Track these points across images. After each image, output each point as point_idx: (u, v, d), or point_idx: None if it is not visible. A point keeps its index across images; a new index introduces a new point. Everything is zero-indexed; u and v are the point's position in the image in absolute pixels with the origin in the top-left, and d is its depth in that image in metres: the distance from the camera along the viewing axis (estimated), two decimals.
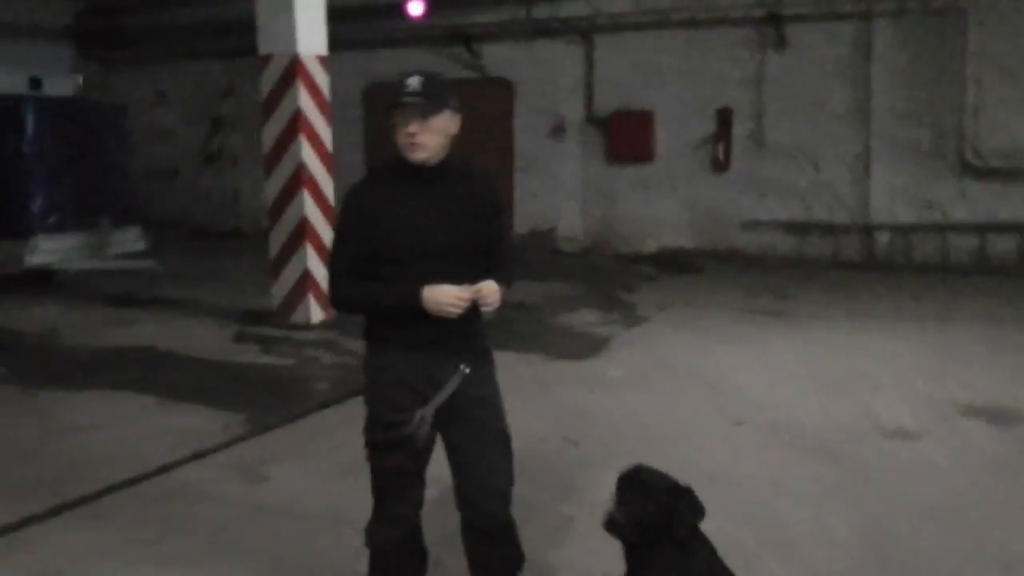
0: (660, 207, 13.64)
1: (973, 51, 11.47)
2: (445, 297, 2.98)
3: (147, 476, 5.24)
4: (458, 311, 2.99)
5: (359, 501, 4.35)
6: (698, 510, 2.87)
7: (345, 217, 3.15)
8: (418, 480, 3.23)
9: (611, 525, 2.93)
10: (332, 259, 3.20)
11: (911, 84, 12.11)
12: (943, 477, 5.09)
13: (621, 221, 13.93)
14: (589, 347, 8.14)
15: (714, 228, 13.37)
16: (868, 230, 12.58)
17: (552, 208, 14.20)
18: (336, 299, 3.19)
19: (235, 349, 8.41)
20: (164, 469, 5.35)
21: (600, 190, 13.98)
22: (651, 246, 13.74)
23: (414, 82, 3.01)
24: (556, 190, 14.13)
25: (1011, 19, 11.54)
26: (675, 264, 12.79)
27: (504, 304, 3.14)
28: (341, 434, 5.87)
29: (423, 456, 3.19)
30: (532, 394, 6.58)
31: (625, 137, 13.56)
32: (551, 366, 7.58)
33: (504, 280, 3.16)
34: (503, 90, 14.33)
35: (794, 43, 12.50)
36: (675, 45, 13.19)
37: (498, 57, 14.28)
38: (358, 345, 8.05)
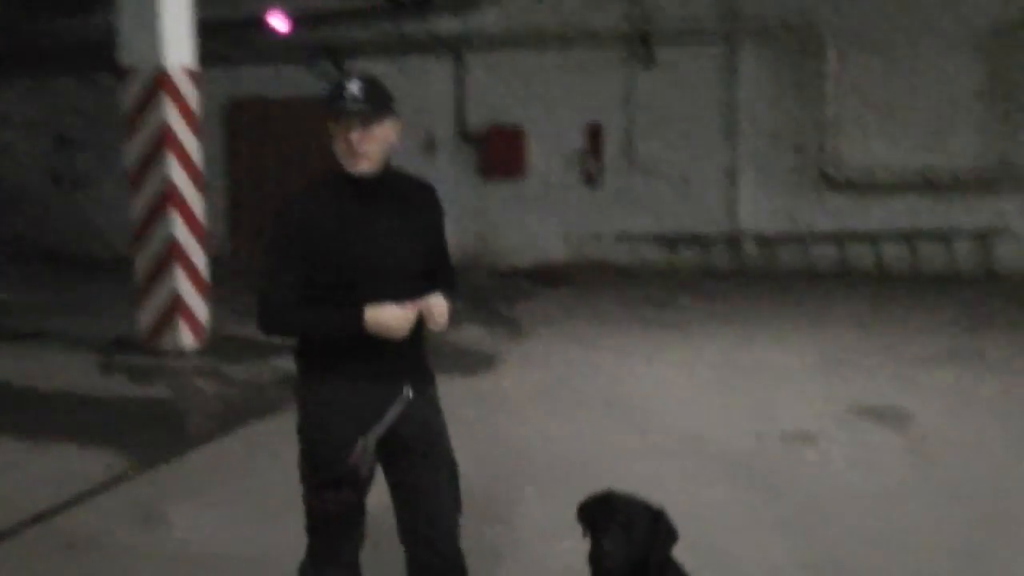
0: (534, 222, 13.68)
1: (831, 72, 12.03)
2: (390, 318, 2.77)
3: (26, 524, 4.74)
4: (404, 332, 2.80)
5: (277, 541, 4.14)
6: (673, 534, 2.77)
7: (281, 235, 2.87)
8: (360, 515, 3.00)
9: (600, 560, 2.68)
10: (265, 281, 2.89)
11: (775, 103, 12.61)
12: (857, 482, 5.21)
13: (496, 237, 13.90)
14: (480, 363, 8.02)
15: (587, 241, 13.52)
16: (736, 241, 12.99)
17: None
18: (268, 325, 2.92)
19: (103, 381, 7.83)
20: (44, 516, 4.86)
21: (474, 207, 13.90)
22: (526, 261, 13.75)
23: (355, 88, 2.79)
24: None
25: (865, 42, 12.20)
26: (551, 278, 12.82)
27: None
28: (239, 467, 5.55)
29: (365, 488, 2.96)
30: None
31: (498, 153, 13.55)
32: (444, 384, 7.35)
33: (451, 294, 2.99)
34: None
35: (662, 62, 12.80)
36: (547, 62, 13.29)
37: (367, 72, 13.96)
38: (240, 371, 7.88)
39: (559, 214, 13.62)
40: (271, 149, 14.41)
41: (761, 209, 12.84)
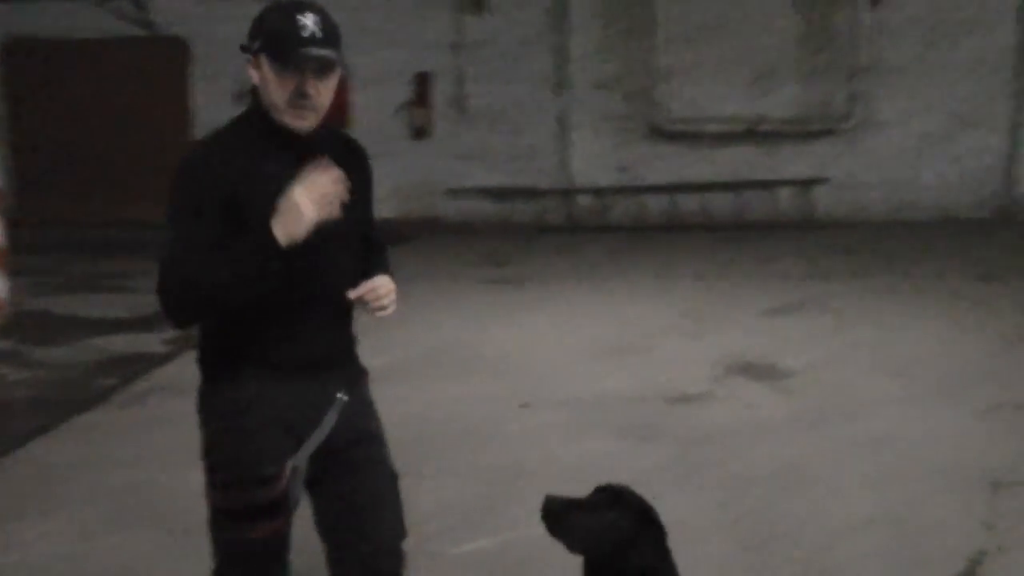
0: None
1: (661, 20, 11.96)
2: (293, 199, 2.10)
3: None
4: (322, 209, 2.15)
5: (136, 553, 3.70)
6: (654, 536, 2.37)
7: (191, 193, 2.20)
8: (287, 546, 2.43)
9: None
10: (172, 248, 2.18)
11: (605, 52, 12.45)
12: (737, 429, 5.15)
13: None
14: None
15: (418, 196, 12.95)
16: (569, 194, 12.83)
17: None
18: (181, 296, 2.16)
19: None
20: None
21: None
22: None
23: (311, 22, 2.16)
24: None
25: None
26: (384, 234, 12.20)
27: None
28: (70, 476, 4.72)
29: (292, 514, 2.39)
30: None
31: None
32: None
33: (389, 271, 2.46)
34: (176, 50, 12.85)
35: (492, 8, 12.32)
36: (372, 4, 12.47)
37: (170, 12, 12.70)
38: (49, 355, 6.86)
39: (386, 168, 12.79)
40: (60, 95, 12.86)
41: (593, 161, 12.72)
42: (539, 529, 3.50)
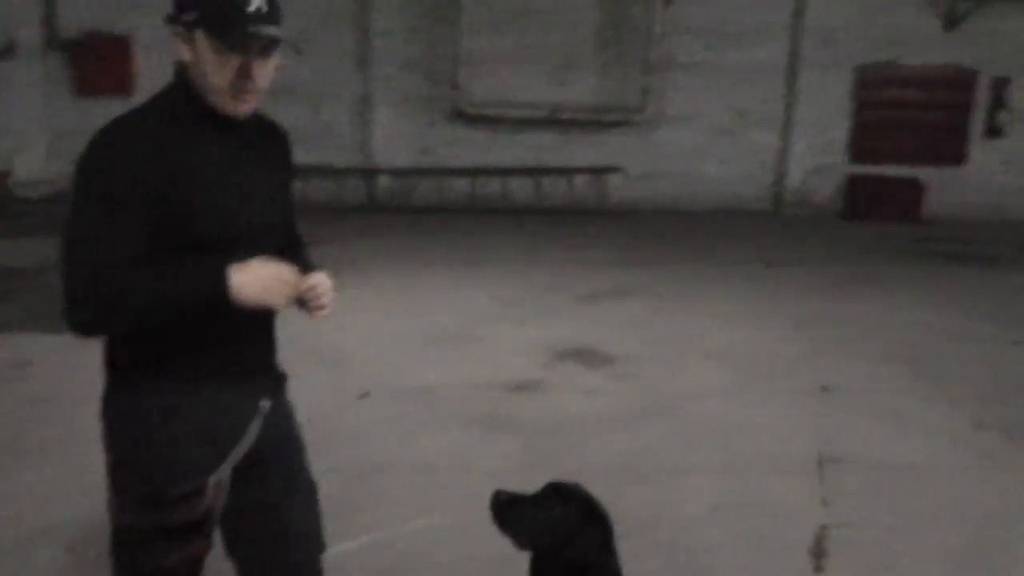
0: None
1: (466, 5, 11.94)
2: (270, 271, 1.97)
3: None
4: (286, 299, 2.02)
5: None
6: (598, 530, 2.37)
7: (111, 183, 1.90)
8: (200, 572, 2.20)
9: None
10: (86, 244, 1.89)
11: (410, 33, 12.29)
12: (579, 415, 5.26)
13: None
14: None
15: None
16: (369, 173, 12.59)
17: (3, 148, 11.75)
18: (100, 307, 1.88)
19: None
20: None
21: (70, 127, 11.87)
22: None
23: None
24: (8, 126, 11.70)
25: None
26: None
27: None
28: None
29: (212, 535, 2.17)
30: None
31: (99, 65, 11.68)
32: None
33: (315, 266, 2.27)
34: None
35: None
36: None
37: None
38: None
39: None
40: None
41: (395, 141, 12.56)
42: (403, 528, 3.41)
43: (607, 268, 9.22)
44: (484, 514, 3.89)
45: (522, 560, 2.40)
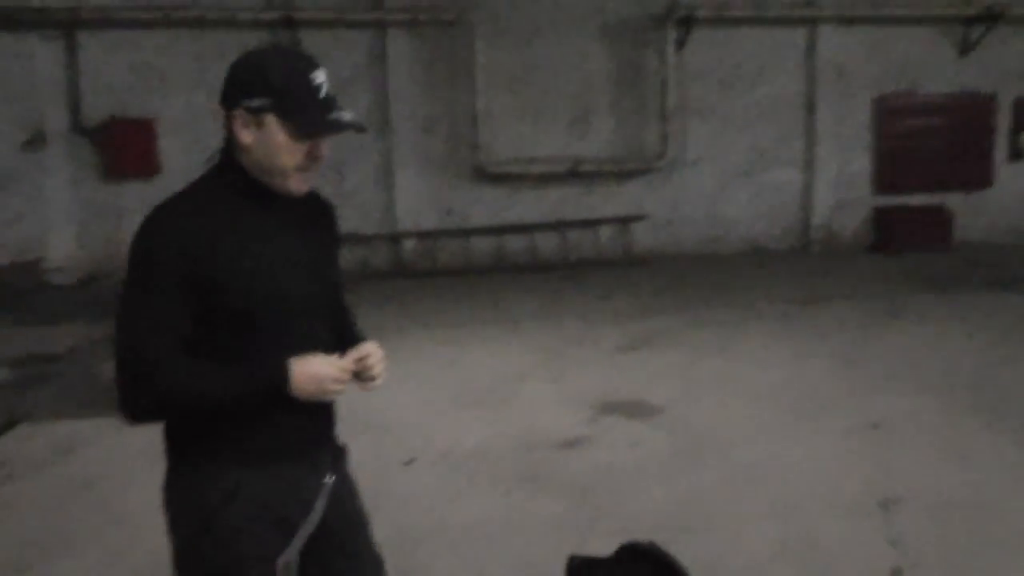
0: None
1: (481, 63, 12.07)
2: (325, 372, 1.98)
3: None
4: (341, 390, 2.03)
5: None
6: None
7: (163, 261, 1.90)
8: None
9: None
10: (134, 333, 1.91)
11: (427, 94, 12.43)
12: (631, 468, 5.12)
13: (127, 245, 12.13)
14: None
15: None
16: (395, 238, 12.64)
17: (36, 235, 11.92)
18: (148, 397, 1.91)
19: None
20: None
21: (99, 211, 12.08)
22: None
23: (324, 79, 1.97)
24: (40, 213, 11.89)
25: (512, 34, 12.43)
26: None
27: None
28: None
29: None
30: (155, 468, 5.25)
31: (124, 149, 11.87)
32: (141, 432, 6.08)
33: (362, 337, 2.25)
34: None
35: (308, 49, 11.99)
36: (180, 46, 11.88)
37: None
38: None
39: None
40: None
41: (418, 203, 12.62)
42: None
43: (639, 317, 9.14)
44: (541, 573, 3.83)
45: None
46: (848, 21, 12.94)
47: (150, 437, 5.68)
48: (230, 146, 2.01)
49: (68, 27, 11.59)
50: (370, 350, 2.10)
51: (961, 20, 13.06)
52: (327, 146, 1.99)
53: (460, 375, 7.25)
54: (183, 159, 12.08)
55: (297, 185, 2.00)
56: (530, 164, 12.65)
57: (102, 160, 11.92)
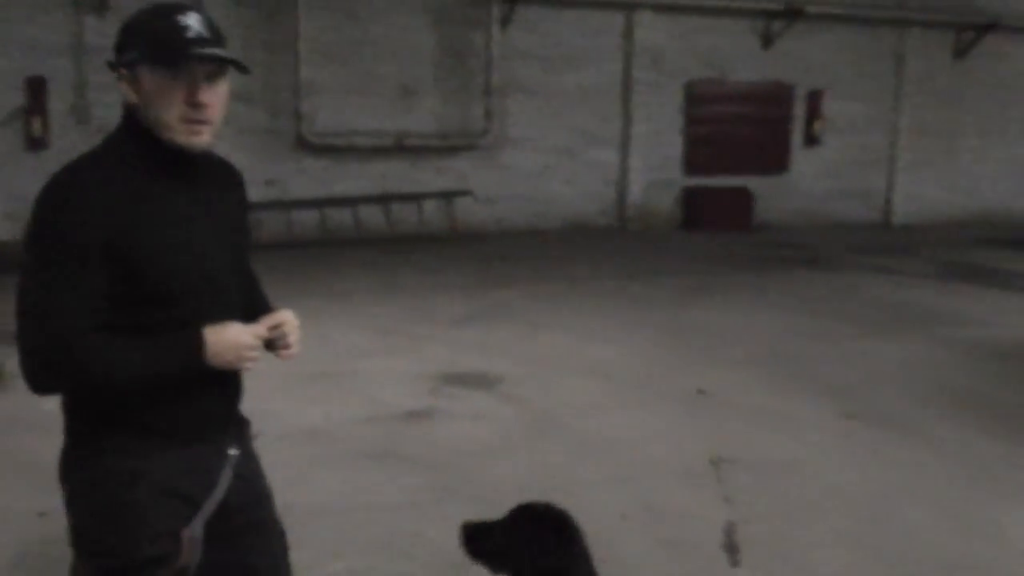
0: None
1: (305, 34, 11.75)
2: (243, 337, 1.94)
3: None
4: (255, 359, 1.99)
5: None
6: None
7: (68, 232, 1.80)
8: None
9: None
10: (41, 306, 1.80)
11: (247, 63, 11.93)
12: (477, 439, 5.23)
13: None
14: None
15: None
16: None
17: None
18: (62, 372, 1.82)
19: None
20: None
21: None
22: None
23: (195, 22, 1.86)
24: None
25: (335, 7, 12.18)
26: None
27: None
28: None
29: None
30: None
31: None
32: None
33: (271, 306, 2.22)
34: None
35: (115, 7, 11.29)
36: None
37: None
38: None
39: None
40: None
41: None
42: (320, 572, 3.28)
43: (469, 292, 9.26)
44: (397, 549, 3.86)
45: None
46: (664, 9, 13.52)
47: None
48: (128, 110, 1.91)
49: None
50: (285, 318, 2.06)
51: (765, 14, 13.93)
52: (207, 92, 1.88)
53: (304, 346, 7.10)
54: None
55: (185, 138, 1.89)
56: (354, 137, 12.48)
57: None
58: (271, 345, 2.05)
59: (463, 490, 4.57)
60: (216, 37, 1.89)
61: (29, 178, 11.14)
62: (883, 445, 5.18)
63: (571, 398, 6.00)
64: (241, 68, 1.96)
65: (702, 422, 5.53)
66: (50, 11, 11.19)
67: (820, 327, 7.89)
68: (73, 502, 1.96)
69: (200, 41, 1.86)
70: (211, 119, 1.90)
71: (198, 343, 1.88)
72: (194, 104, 1.86)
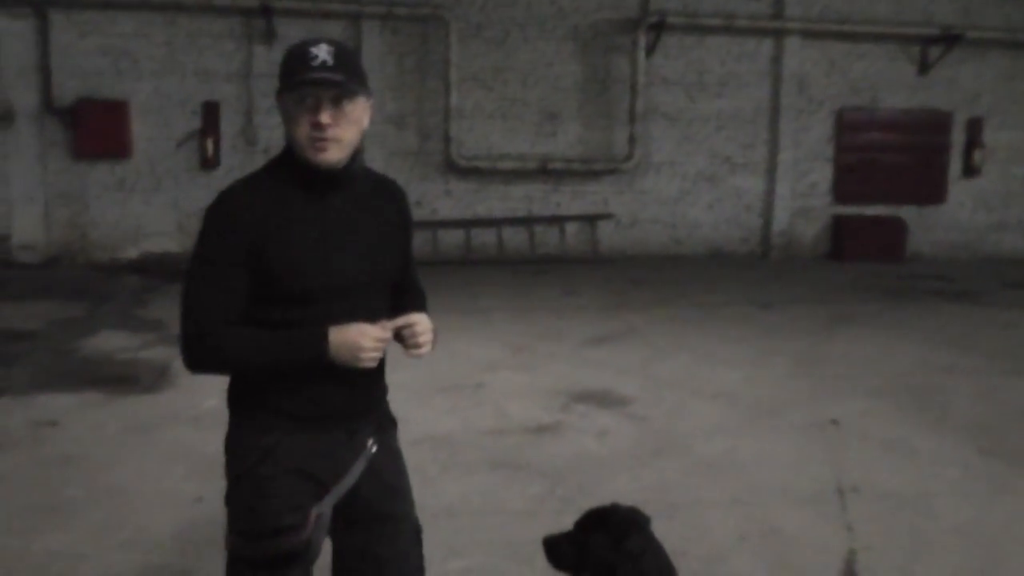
0: (142, 209, 12.26)
1: (455, 61, 12.24)
2: (361, 339, 2.15)
3: None
4: (377, 358, 2.21)
5: None
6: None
7: (219, 238, 2.13)
8: None
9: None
10: (194, 298, 2.15)
11: (399, 88, 12.57)
12: (601, 453, 5.34)
13: (94, 226, 12.18)
14: (151, 376, 6.89)
15: None
16: None
17: (2, 212, 11.88)
18: (199, 356, 2.15)
19: None
20: None
21: (66, 191, 12.06)
22: (132, 252, 12.28)
23: (323, 52, 2.11)
24: (7, 191, 11.84)
25: (485, 33, 12.64)
26: (165, 271, 11.54)
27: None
28: None
29: (313, 564, 2.30)
30: (139, 444, 5.38)
31: (95, 130, 11.84)
32: (128, 406, 6.20)
33: (424, 311, 2.42)
34: None
35: (283, 37, 12.08)
36: (153, 30, 11.90)
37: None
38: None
39: (171, 199, 12.33)
40: None
41: None
42: (439, 568, 3.45)
43: (605, 313, 9.39)
44: (516, 554, 4.04)
45: None
46: (813, 35, 13.33)
47: (131, 412, 5.81)
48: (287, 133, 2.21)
49: (39, 5, 11.54)
50: (415, 319, 2.27)
51: (921, 39, 13.52)
52: (329, 114, 2.10)
53: (430, 364, 7.38)
54: (152, 143, 12.14)
55: (313, 155, 2.13)
56: (499, 160, 12.85)
57: (72, 140, 11.88)
58: (403, 342, 2.26)
59: (583, 502, 4.66)
60: (341, 64, 2.13)
61: (201, 194, 12.16)
62: (1016, 483, 5.00)
63: (697, 421, 6.05)
64: (353, 90, 2.16)
65: (830, 451, 5.48)
66: (223, 41, 12.07)
67: (962, 362, 7.62)
68: (226, 468, 2.27)
69: (320, 68, 2.10)
70: (336, 138, 2.14)
71: (322, 340, 2.13)
72: (316, 124, 2.11)
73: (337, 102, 2.13)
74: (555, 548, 2.54)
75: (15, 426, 5.71)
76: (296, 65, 2.12)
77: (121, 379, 6.80)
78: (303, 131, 2.13)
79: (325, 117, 2.11)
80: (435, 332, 2.33)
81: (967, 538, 4.31)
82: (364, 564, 2.35)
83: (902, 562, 4.04)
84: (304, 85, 2.10)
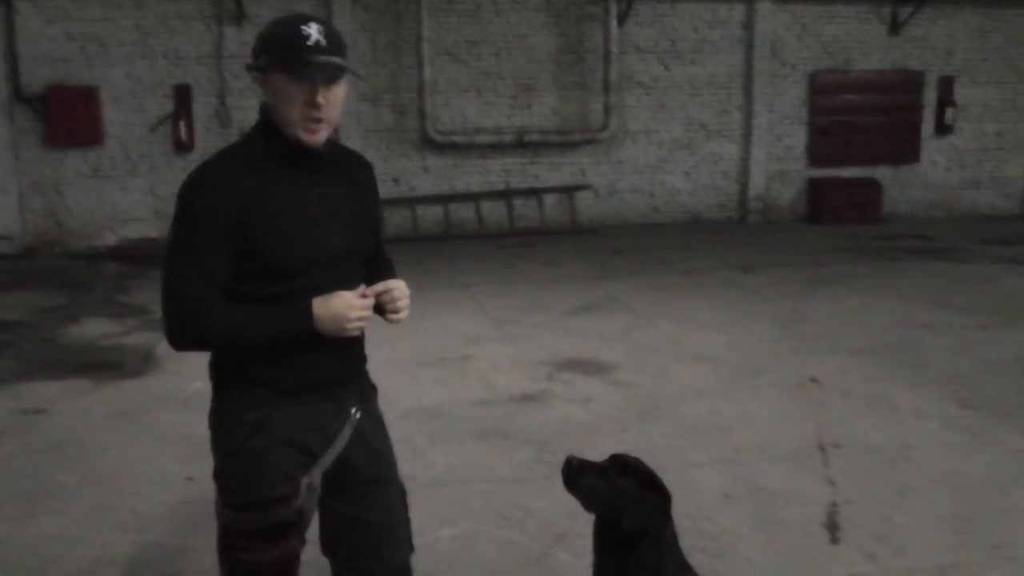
0: (118, 195, 12.17)
1: (426, 35, 12.17)
2: (345, 307, 2.18)
3: None
4: (361, 325, 2.24)
5: None
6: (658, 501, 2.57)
7: (201, 215, 2.12)
8: (297, 568, 2.36)
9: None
10: (177, 276, 2.14)
11: (372, 65, 12.50)
12: (587, 420, 5.41)
13: (71, 214, 12.09)
14: (136, 361, 6.89)
15: None
16: None
17: None
18: (184, 333, 2.16)
19: None
20: None
21: (40, 180, 11.95)
22: (110, 239, 12.21)
23: (316, 32, 2.11)
24: None
25: (457, 7, 12.57)
26: (143, 257, 11.48)
27: None
28: None
29: (305, 533, 2.34)
30: (128, 428, 5.40)
31: (66, 117, 11.73)
32: (115, 391, 6.20)
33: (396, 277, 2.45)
34: None
35: (252, 17, 11.99)
36: (121, 15, 11.78)
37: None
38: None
39: (147, 184, 12.25)
40: None
41: None
42: (432, 536, 3.49)
43: (586, 283, 9.45)
44: (506, 519, 4.11)
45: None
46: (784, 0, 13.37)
47: (118, 397, 5.81)
48: (263, 108, 2.21)
49: None
50: (393, 284, 2.30)
51: (891, 0, 13.57)
52: (324, 95, 2.13)
53: (414, 338, 7.42)
54: (125, 128, 12.04)
55: (306, 136, 2.16)
56: (476, 134, 12.84)
57: (44, 129, 11.76)
58: (381, 310, 2.30)
59: (551, 457, 4.77)
60: (334, 45, 2.15)
61: (177, 178, 12.02)
62: (994, 434, 5.12)
63: (681, 385, 6.13)
64: (355, 74, 2.22)
65: (812, 409, 5.57)
66: (192, 23, 11.95)
67: (942, 318, 7.74)
68: (213, 446, 2.29)
69: (318, 49, 2.11)
70: (328, 118, 2.17)
71: (306, 312, 2.16)
72: (312, 105, 2.13)
73: (330, 83, 2.15)
74: (580, 471, 2.52)
75: (2, 415, 5.71)
76: (293, 46, 2.11)
77: (106, 365, 6.80)
78: (296, 111, 2.14)
79: (323, 98, 2.13)
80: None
81: (948, 487, 4.42)
82: (354, 530, 2.38)
83: (885, 512, 4.14)
84: (307, 68, 2.11)
